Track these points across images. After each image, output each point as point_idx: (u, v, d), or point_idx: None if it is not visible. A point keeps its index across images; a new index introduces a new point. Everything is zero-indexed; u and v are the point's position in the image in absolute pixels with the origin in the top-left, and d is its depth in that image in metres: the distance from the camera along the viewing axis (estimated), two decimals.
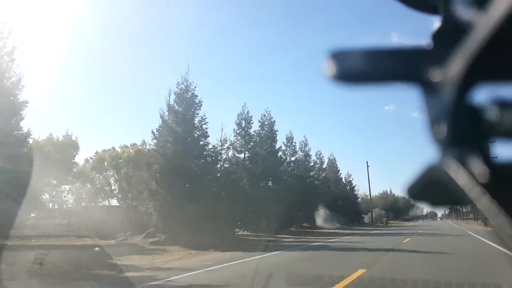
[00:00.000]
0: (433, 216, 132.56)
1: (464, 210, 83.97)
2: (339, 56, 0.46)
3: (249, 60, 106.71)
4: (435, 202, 0.47)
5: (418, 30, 54.02)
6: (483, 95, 0.40)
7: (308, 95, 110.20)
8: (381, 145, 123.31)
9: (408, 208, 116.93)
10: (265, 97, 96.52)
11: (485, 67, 0.38)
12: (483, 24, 0.36)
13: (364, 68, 0.46)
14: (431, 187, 0.43)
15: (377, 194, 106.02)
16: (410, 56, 0.45)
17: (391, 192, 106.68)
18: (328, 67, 0.46)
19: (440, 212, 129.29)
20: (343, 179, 59.17)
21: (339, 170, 56.74)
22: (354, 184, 62.00)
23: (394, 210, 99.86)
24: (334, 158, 56.07)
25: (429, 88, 0.43)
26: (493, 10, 0.35)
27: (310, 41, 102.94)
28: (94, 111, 71.50)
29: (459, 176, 0.39)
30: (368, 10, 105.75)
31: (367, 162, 64.38)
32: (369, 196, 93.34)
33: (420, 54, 0.45)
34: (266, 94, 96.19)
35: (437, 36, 0.44)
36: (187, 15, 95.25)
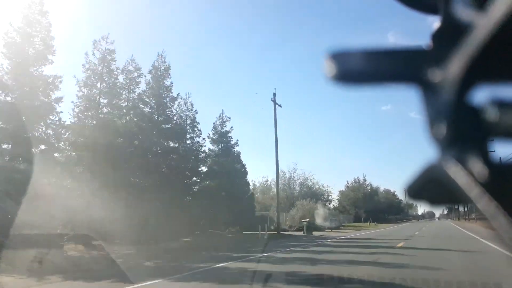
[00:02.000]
0: (431, 216, 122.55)
1: (465, 209, 69.50)
2: (339, 57, 0.46)
3: (247, 59, 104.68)
4: (434, 201, 0.47)
5: (415, 30, 57.23)
6: (482, 95, 0.40)
7: (306, 94, 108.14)
8: (379, 145, 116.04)
9: (393, 205, 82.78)
10: (263, 97, 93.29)
11: (485, 67, 0.38)
12: (483, 24, 0.35)
13: (364, 69, 0.46)
14: (431, 187, 0.43)
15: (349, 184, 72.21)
16: (409, 57, 0.45)
17: (365, 181, 73.11)
18: (328, 68, 0.46)
19: (438, 212, 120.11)
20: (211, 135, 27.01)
21: (194, 110, 26.60)
22: (235, 144, 29.24)
23: (373, 206, 65.63)
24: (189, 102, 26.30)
25: (428, 89, 0.43)
26: (493, 11, 0.34)
27: (306, 41, 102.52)
28: None
29: (458, 175, 0.39)
30: (364, 10, 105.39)
31: (274, 94, 31.35)
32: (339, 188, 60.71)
33: (420, 54, 0.45)
34: (264, 93, 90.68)
35: (437, 36, 0.44)
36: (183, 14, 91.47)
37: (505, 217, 0.35)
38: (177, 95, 25.32)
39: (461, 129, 0.40)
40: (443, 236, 24.12)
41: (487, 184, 0.37)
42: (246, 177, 30.58)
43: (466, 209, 71.38)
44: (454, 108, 0.40)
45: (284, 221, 38.10)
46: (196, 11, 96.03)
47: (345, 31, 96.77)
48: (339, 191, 69.89)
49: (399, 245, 17.08)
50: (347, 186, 71.30)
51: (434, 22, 0.44)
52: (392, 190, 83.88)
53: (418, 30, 55.07)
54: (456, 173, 0.39)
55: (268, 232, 25.58)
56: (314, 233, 30.25)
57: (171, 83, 24.93)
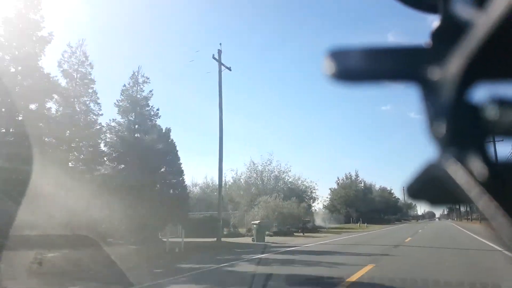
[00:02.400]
0: (431, 216, 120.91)
1: (466, 209, 67.58)
2: (338, 55, 0.46)
3: (247, 59, 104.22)
4: (434, 201, 0.46)
5: (415, 30, 59.16)
6: (482, 93, 0.40)
7: (306, 94, 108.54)
8: (379, 145, 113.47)
9: (390, 204, 74.44)
10: (262, 97, 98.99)
11: (484, 65, 0.38)
12: (483, 23, 0.35)
13: (363, 67, 0.46)
14: (430, 186, 0.43)
15: (340, 181, 64.40)
16: (409, 55, 0.45)
17: (357, 177, 64.95)
18: (328, 66, 0.46)
19: (438, 212, 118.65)
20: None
21: (88, 63, 17.83)
22: (155, 115, 20.24)
23: (366, 205, 57.87)
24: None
25: (428, 87, 0.43)
26: (492, 9, 0.34)
27: (306, 41, 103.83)
28: None
29: (458, 175, 0.39)
30: (364, 10, 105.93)
31: (219, 52, 23.41)
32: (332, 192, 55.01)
33: (420, 52, 0.45)
34: (263, 94, 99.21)
35: (436, 35, 0.44)
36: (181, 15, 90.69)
37: (505, 217, 0.34)
38: (50, 33, 15.96)
39: (461, 128, 0.40)
40: (445, 245, 16.20)
41: (487, 183, 0.36)
42: (178, 163, 20.95)
43: (467, 209, 67.29)
44: (453, 106, 0.39)
45: (246, 222, 30.33)
46: (196, 11, 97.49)
47: (345, 31, 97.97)
48: (330, 189, 62.05)
49: (359, 273, 8.28)
50: (338, 183, 63.36)
51: (434, 21, 0.44)
52: (388, 188, 75.94)
53: (418, 30, 54.61)
54: (456, 172, 0.38)
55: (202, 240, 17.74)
56: (272, 239, 22.39)
57: (42, 17, 15.93)
